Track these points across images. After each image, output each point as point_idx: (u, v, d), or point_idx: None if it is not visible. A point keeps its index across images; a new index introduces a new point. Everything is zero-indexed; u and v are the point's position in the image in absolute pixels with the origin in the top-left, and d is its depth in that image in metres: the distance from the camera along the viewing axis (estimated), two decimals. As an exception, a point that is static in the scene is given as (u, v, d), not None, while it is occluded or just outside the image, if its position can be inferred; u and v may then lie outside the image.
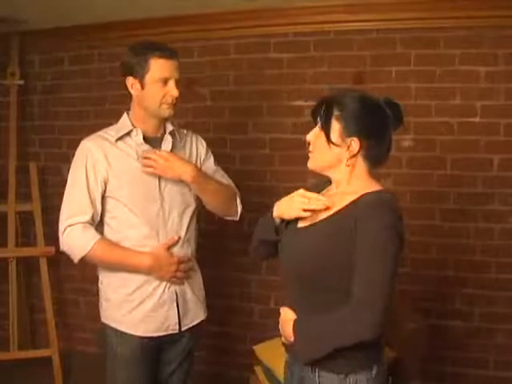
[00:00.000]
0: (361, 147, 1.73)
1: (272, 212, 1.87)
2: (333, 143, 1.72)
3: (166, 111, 2.30)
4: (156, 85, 2.26)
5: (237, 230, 3.20)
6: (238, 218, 2.48)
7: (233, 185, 2.50)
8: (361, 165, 1.77)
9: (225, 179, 2.49)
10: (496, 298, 3.06)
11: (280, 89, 3.34)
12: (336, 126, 1.73)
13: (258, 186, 3.39)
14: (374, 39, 3.15)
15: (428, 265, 3.14)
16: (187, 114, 3.50)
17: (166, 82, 2.27)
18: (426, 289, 3.13)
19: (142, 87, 2.28)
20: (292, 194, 1.81)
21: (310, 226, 1.77)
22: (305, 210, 1.76)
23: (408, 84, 3.11)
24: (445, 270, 3.13)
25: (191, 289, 2.43)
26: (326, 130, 1.72)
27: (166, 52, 2.26)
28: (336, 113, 1.72)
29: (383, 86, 3.09)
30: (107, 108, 3.57)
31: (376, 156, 1.77)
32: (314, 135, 1.77)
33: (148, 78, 2.26)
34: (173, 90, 2.27)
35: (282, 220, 1.85)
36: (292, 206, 1.78)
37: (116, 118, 2.40)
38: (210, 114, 3.47)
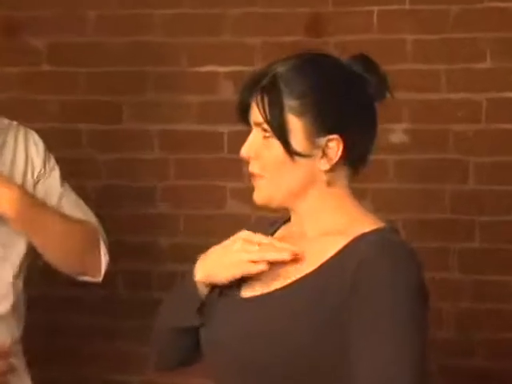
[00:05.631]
0: (344, 147, 1.61)
1: (192, 274, 1.69)
2: (297, 154, 1.59)
3: None
4: None
5: (104, 294, 2.91)
6: (101, 278, 2.28)
7: (93, 219, 2.30)
8: (341, 177, 1.64)
9: (78, 210, 2.29)
10: None
11: (178, 43, 3.05)
12: (296, 124, 1.59)
13: (141, 216, 3.09)
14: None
15: (444, 347, 2.84)
16: (10, 86, 3.13)
17: None
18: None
19: None
20: (228, 241, 1.65)
21: (266, 295, 1.60)
22: (256, 262, 1.61)
23: (400, 35, 2.86)
24: (473, 357, 2.86)
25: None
26: (281, 134, 1.59)
27: None
28: (290, 102, 1.59)
29: (357, 39, 2.84)
30: None
31: (360, 156, 1.64)
32: (257, 146, 1.64)
33: None
34: None
35: (212, 287, 1.68)
36: (232, 258, 1.64)
37: None
38: (52, 87, 3.13)
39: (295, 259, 1.59)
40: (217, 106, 2.96)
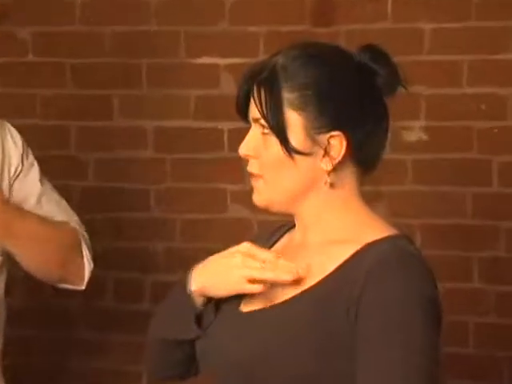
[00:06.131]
0: (348, 145, 1.55)
1: (187, 283, 1.64)
2: (296, 151, 1.55)
3: None
4: None
5: (92, 305, 2.92)
6: (83, 286, 2.26)
7: (75, 221, 2.27)
8: (347, 178, 1.60)
9: (60, 211, 2.27)
10: None
11: (174, 33, 3.02)
12: (295, 119, 1.56)
13: (134, 221, 3.07)
14: None
15: (465, 364, 2.76)
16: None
17: None
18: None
19: None
20: (227, 252, 1.59)
21: (266, 309, 1.56)
22: (253, 282, 1.56)
23: (417, 23, 2.83)
24: (498, 376, 2.77)
25: None
26: (279, 130, 1.56)
27: None
28: (289, 95, 1.55)
29: (369, 29, 2.80)
30: None
31: (368, 155, 1.59)
32: (256, 143, 1.60)
33: None
34: None
35: (209, 299, 1.64)
36: (230, 274, 1.60)
37: None
38: (37, 79, 3.12)
39: (298, 279, 1.55)
40: (217, 100, 2.91)
